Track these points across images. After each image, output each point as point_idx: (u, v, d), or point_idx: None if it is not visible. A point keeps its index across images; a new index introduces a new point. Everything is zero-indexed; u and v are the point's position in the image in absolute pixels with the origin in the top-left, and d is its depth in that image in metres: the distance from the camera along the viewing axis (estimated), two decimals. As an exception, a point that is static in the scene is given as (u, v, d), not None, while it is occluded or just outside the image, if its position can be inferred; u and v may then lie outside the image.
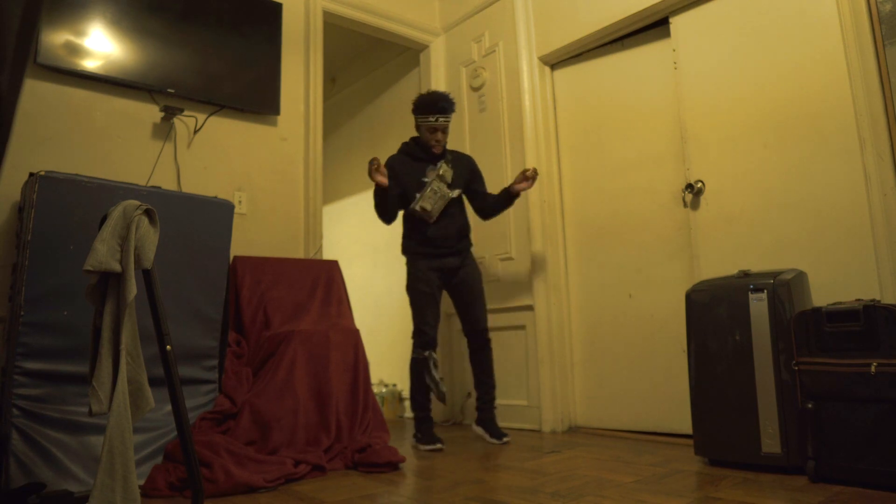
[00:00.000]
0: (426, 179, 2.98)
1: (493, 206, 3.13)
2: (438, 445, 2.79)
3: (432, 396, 2.99)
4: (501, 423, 3.41)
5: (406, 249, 3.05)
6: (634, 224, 3.16)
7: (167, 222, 2.26)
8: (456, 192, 3.03)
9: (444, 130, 3.01)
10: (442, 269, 3.00)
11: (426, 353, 2.91)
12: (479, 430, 3.04)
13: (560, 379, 3.31)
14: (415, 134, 3.12)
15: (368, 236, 4.82)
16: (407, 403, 4.22)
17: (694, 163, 2.88)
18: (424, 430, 2.91)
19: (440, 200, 2.95)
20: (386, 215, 2.98)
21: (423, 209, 2.93)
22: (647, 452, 2.53)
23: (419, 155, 3.03)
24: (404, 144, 3.12)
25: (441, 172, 2.97)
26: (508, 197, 3.05)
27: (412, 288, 2.98)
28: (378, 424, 2.69)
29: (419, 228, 2.99)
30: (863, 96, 2.32)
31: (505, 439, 2.91)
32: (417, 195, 2.95)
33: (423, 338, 2.92)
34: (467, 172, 3.12)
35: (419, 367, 2.92)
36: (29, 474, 1.91)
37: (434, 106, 2.96)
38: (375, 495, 1.96)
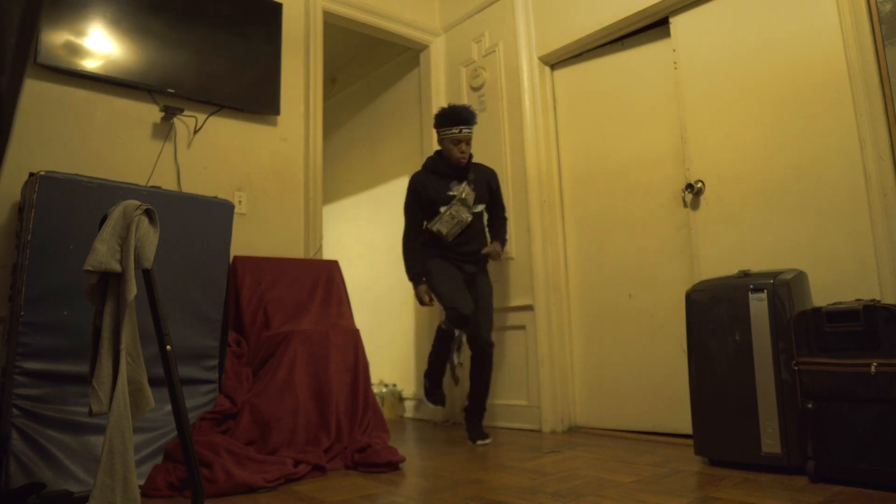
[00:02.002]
0: (452, 193, 3.00)
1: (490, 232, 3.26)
2: (440, 406, 3.08)
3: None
4: (502, 423, 3.42)
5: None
6: (634, 224, 3.16)
7: (167, 222, 2.26)
8: (480, 207, 3.07)
9: (468, 141, 3.01)
10: (460, 269, 3.04)
11: (456, 332, 3.00)
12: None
13: (560, 379, 3.31)
14: (415, 137, 3.12)
15: (368, 236, 4.82)
16: (407, 403, 4.22)
17: (694, 163, 2.88)
18: (436, 392, 3.13)
19: (456, 226, 2.99)
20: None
21: (439, 231, 2.98)
22: (647, 452, 2.53)
23: (444, 171, 3.04)
24: (429, 160, 3.14)
25: (463, 196, 2.99)
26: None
27: (435, 279, 2.96)
28: (378, 424, 2.69)
29: (439, 240, 3.04)
30: (863, 96, 2.32)
31: (479, 442, 2.92)
32: (442, 209, 2.98)
33: (457, 313, 2.84)
34: (487, 188, 3.14)
35: (447, 337, 3.01)
36: (29, 474, 1.91)
37: (458, 117, 2.97)
38: (375, 495, 1.96)
